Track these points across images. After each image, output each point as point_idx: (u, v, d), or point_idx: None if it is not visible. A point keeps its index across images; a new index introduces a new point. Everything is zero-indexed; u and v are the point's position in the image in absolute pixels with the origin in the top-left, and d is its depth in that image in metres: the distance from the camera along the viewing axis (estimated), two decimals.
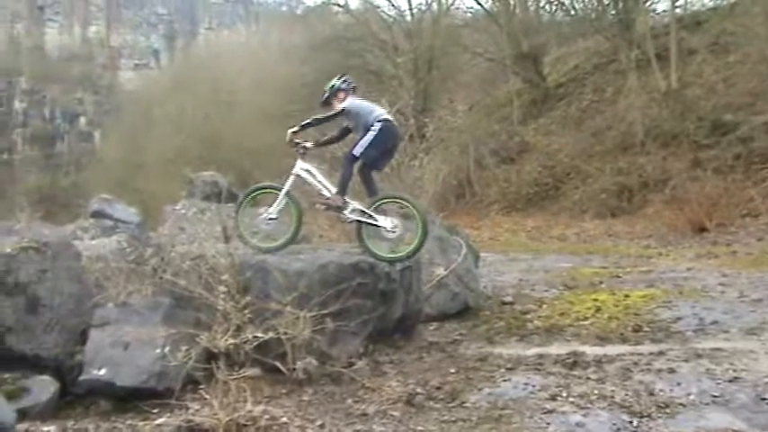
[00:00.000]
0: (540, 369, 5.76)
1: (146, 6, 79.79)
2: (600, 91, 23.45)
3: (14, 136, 71.69)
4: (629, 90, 20.82)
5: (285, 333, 5.35)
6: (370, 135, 6.74)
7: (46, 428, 4.65)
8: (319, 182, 6.91)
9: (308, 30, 31.13)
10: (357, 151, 6.76)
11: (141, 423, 4.73)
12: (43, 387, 5.04)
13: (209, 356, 5.26)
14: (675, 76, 19.30)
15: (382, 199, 6.75)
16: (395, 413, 4.82)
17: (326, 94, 7.15)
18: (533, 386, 5.30)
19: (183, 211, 8.25)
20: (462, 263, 8.46)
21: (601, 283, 9.57)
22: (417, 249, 6.56)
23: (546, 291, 9.25)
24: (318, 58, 27.05)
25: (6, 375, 4.96)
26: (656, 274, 10.14)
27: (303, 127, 6.94)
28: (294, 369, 5.40)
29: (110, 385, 5.08)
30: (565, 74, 26.06)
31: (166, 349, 5.13)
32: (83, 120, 73.37)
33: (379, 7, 27.79)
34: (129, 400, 5.07)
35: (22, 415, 4.46)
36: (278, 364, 5.42)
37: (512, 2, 25.86)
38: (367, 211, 6.62)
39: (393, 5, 27.80)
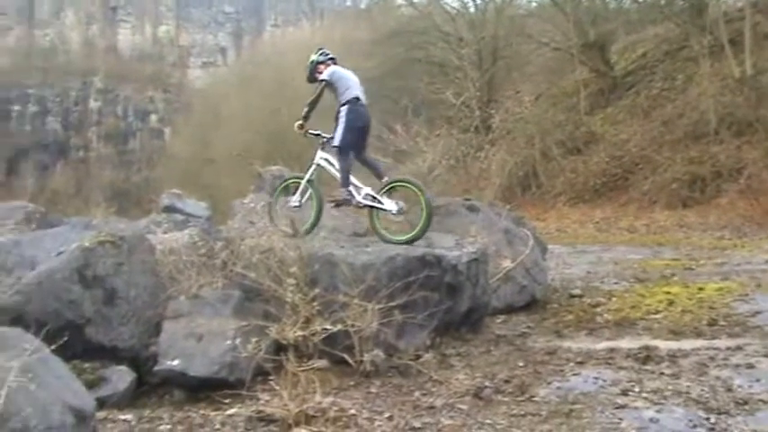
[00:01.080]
0: (611, 363, 5.65)
1: (214, 5, 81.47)
2: (670, 79, 22.78)
3: (90, 134, 74.30)
4: (702, 77, 20.19)
5: (353, 325, 5.39)
6: (341, 123, 6.98)
7: (123, 417, 4.78)
8: (337, 170, 7.15)
9: (371, 24, 31.16)
10: (337, 142, 7.00)
11: (213, 413, 4.82)
12: (120, 377, 5.18)
13: (279, 348, 5.34)
14: (750, 61, 18.61)
15: (389, 184, 6.95)
16: (463, 406, 4.79)
17: (308, 71, 7.38)
18: (604, 381, 5.20)
19: (251, 205, 8.39)
20: (530, 255, 8.35)
21: (673, 275, 9.34)
22: (422, 232, 6.65)
23: (616, 283, 9.07)
24: (382, 51, 27.10)
25: (86, 365, 5.10)
26: (731, 267, 9.83)
27: (305, 118, 7.28)
28: (362, 361, 5.42)
29: (183, 376, 5.19)
30: (633, 62, 25.39)
31: (237, 341, 5.22)
32: (154, 117, 75.55)
33: None
34: (202, 390, 5.16)
35: (101, 403, 4.59)
36: (345, 356, 5.45)
37: None
38: (376, 195, 6.87)
39: None
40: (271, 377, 5.12)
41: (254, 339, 5.20)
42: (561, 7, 25.09)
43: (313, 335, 5.36)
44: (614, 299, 8.08)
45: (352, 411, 4.65)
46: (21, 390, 3.35)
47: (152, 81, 76.05)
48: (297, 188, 7.31)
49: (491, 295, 7.29)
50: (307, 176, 7.26)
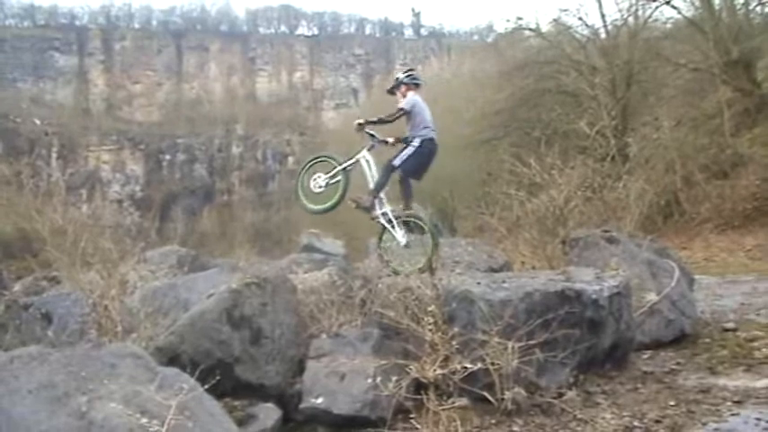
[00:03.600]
0: None
1: (344, 49, 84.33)
2: None
3: (233, 178, 78.24)
4: None
5: (493, 363, 5.32)
6: (410, 150, 7.33)
7: None
8: (372, 176, 7.52)
9: (499, 57, 31.06)
10: (396, 162, 7.37)
11: None
12: (268, 414, 5.36)
13: (418, 386, 5.36)
14: None
15: (408, 216, 7.36)
16: None
17: (392, 85, 7.82)
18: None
19: (387, 244, 8.51)
20: (676, 287, 7.96)
21: None
22: (422, 270, 6.86)
23: None
24: (511, 83, 26.91)
25: (236, 403, 5.34)
26: None
27: (368, 122, 7.54)
28: (503, 399, 5.34)
29: (327, 413, 5.31)
30: None
31: (378, 379, 5.28)
32: (291, 159, 78.64)
33: (571, 27, 27.10)
34: (345, 427, 5.26)
35: None
36: (486, 394, 5.39)
37: (717, 7, 24.18)
38: (393, 219, 7.29)
39: (586, 24, 26.70)
40: (411, 415, 5.14)
41: (394, 378, 5.25)
42: (699, 26, 24.04)
43: (453, 373, 5.34)
44: None
45: None
46: (179, 427, 3.56)
47: (289, 125, 79.44)
48: (327, 169, 7.60)
49: (636, 330, 6.99)
50: (344, 165, 7.53)
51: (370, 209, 7.39)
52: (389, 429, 5.07)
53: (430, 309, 5.65)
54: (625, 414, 5.26)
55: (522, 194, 11.75)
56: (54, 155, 73.06)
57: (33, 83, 78.74)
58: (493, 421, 5.26)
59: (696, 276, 10.10)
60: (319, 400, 5.35)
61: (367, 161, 7.57)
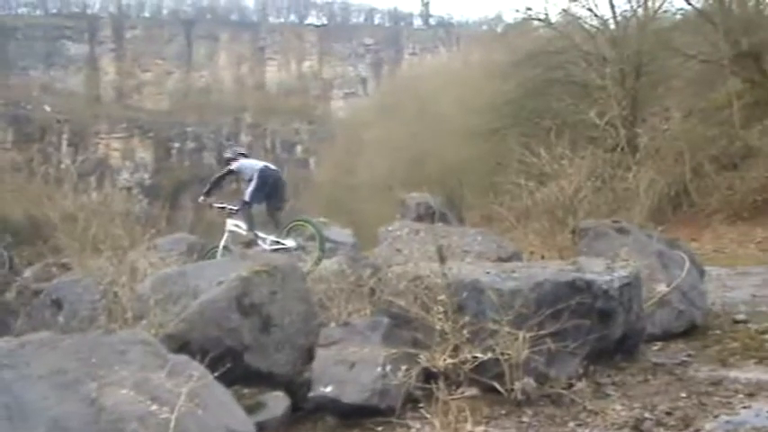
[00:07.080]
0: None
1: (354, 38, 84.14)
2: None
3: None
4: None
5: (503, 353, 5.31)
6: (252, 183, 8.62)
7: None
8: (242, 227, 8.71)
9: (508, 47, 30.88)
10: (246, 197, 8.65)
11: None
12: (277, 402, 5.36)
13: (428, 376, 5.35)
14: None
15: (286, 226, 8.54)
16: None
17: (223, 164, 9.51)
18: None
19: (397, 233, 8.51)
20: (686, 278, 7.92)
21: None
22: (319, 259, 7.86)
23: None
24: (520, 73, 26.76)
25: (245, 391, 5.34)
26: None
27: (208, 193, 9.18)
28: (512, 389, 5.32)
29: (336, 402, 5.29)
30: None
31: (387, 368, 5.27)
32: (299, 148, 78.65)
33: (580, 18, 26.87)
34: (354, 416, 5.24)
35: (260, 428, 4.75)
36: (495, 384, 5.38)
37: None
38: (278, 239, 8.38)
39: (596, 15, 26.42)
40: (421, 405, 5.13)
41: (403, 367, 5.24)
42: (709, 18, 23.84)
43: (463, 363, 5.33)
44: None
45: None
46: (188, 415, 3.56)
47: (297, 114, 79.39)
48: (216, 253, 8.76)
49: (646, 321, 6.96)
50: (222, 243, 8.77)
51: (255, 241, 8.48)
52: (398, 419, 5.06)
53: (440, 298, 5.64)
54: (635, 405, 5.23)
55: (532, 184, 11.71)
56: (65, 142, 73.21)
57: (44, 71, 78.82)
58: (503, 411, 5.25)
59: (706, 267, 10.04)
60: (328, 389, 5.33)
61: (236, 225, 8.77)
